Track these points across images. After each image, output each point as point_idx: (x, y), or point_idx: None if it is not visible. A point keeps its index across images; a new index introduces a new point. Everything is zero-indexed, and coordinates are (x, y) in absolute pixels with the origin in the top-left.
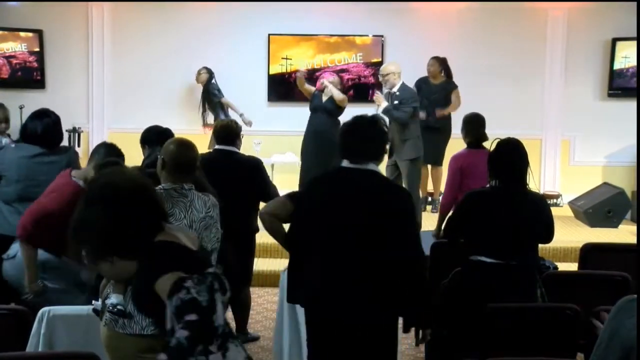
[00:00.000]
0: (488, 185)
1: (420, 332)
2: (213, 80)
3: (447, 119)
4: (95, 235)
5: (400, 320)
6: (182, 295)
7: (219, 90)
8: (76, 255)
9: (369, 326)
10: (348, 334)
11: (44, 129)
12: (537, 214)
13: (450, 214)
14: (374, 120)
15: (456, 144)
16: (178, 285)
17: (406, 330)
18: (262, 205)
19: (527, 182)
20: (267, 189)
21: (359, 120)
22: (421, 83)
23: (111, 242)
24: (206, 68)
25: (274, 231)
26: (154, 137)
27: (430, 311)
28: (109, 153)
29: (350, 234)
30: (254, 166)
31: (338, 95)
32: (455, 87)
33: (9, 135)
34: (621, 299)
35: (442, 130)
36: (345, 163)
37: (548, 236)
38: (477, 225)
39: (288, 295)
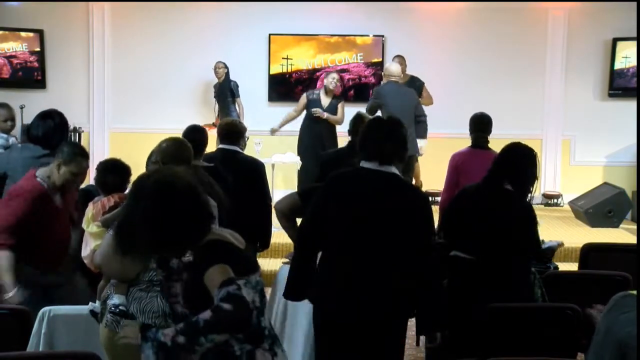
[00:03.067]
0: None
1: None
2: (230, 76)
3: (423, 118)
4: (149, 229)
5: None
6: (231, 289)
7: (237, 87)
8: (46, 262)
9: (381, 325)
10: (359, 332)
11: (45, 131)
12: (513, 216)
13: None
14: (398, 122)
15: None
16: (231, 280)
17: (419, 332)
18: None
19: (531, 189)
20: (262, 194)
21: (383, 122)
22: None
23: (162, 236)
24: (223, 62)
25: (288, 227)
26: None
27: (443, 314)
28: (74, 152)
29: (368, 235)
30: (255, 168)
31: (336, 119)
32: (422, 83)
33: (14, 136)
34: (615, 295)
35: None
36: (366, 164)
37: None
38: (456, 221)
39: (287, 291)
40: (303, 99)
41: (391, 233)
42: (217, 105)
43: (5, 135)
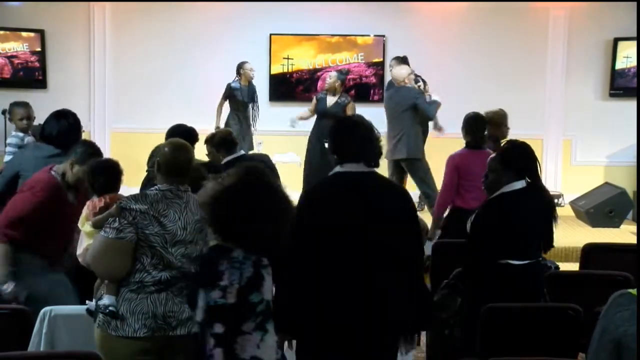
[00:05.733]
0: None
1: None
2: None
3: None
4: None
5: None
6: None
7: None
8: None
9: (379, 343)
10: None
11: (59, 131)
12: (547, 213)
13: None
14: (363, 120)
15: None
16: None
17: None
18: None
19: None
20: None
21: (351, 120)
22: (389, 86)
23: (220, 219)
24: (250, 64)
25: None
26: (178, 137)
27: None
28: (87, 151)
29: (362, 243)
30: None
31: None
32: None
33: (31, 134)
34: (613, 294)
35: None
36: (340, 168)
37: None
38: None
39: (280, 324)
40: (314, 100)
41: (384, 236)
42: (239, 110)
43: (21, 135)
